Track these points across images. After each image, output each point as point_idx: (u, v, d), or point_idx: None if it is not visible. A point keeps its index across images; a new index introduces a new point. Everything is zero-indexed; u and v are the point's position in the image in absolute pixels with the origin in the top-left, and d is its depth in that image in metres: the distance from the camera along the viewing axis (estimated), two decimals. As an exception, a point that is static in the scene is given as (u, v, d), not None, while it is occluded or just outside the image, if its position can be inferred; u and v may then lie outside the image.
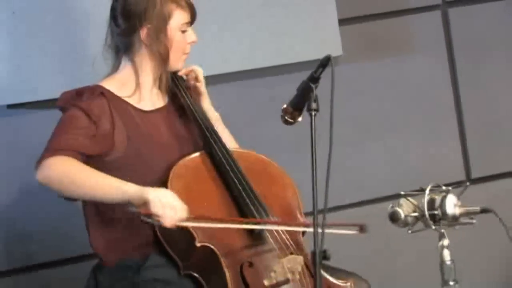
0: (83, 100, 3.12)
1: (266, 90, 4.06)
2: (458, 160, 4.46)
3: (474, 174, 4.45)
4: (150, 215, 2.93)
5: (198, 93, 3.33)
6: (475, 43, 4.45)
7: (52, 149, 3.03)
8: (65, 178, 3.01)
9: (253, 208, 3.12)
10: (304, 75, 3.01)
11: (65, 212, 3.71)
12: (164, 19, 3.17)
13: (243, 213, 3.13)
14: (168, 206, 2.94)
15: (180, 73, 3.32)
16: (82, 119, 3.10)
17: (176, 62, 3.25)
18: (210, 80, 3.41)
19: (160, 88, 3.26)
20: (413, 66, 4.39)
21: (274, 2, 4.08)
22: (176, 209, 2.95)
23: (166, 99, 3.29)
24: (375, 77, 4.32)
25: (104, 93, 3.16)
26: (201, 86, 3.33)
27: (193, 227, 3.00)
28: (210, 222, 3.02)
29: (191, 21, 3.22)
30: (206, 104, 3.34)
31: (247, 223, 3.09)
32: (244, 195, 3.13)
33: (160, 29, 3.17)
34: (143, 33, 3.17)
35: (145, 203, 2.94)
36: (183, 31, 3.21)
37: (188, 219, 2.97)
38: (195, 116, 3.26)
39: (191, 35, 3.23)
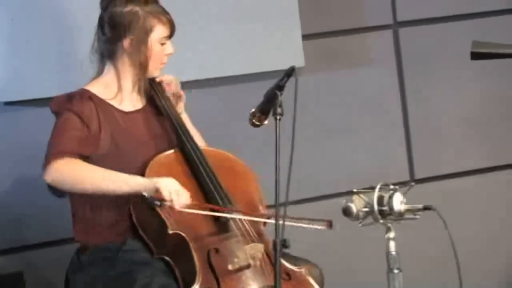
0: (74, 104, 3.09)
1: (237, 96, 4.03)
2: (404, 162, 4.45)
3: (418, 175, 4.43)
4: (162, 200, 2.93)
5: (175, 97, 3.30)
6: (422, 59, 4.45)
7: (55, 152, 3.00)
8: (77, 178, 3.00)
9: (220, 200, 3.10)
10: (271, 83, 2.98)
11: (53, 200, 3.66)
12: (146, 32, 3.14)
13: (211, 204, 3.10)
14: (176, 192, 2.95)
15: (157, 79, 3.28)
16: (75, 121, 3.07)
17: (154, 71, 3.22)
18: (187, 85, 3.40)
19: (138, 91, 3.23)
20: (367, 77, 4.38)
21: (245, 17, 4.05)
22: (183, 194, 2.97)
23: (144, 102, 3.26)
24: (333, 86, 4.31)
25: (91, 97, 3.13)
26: (178, 91, 3.30)
27: (165, 216, 2.99)
28: (204, 210, 3.04)
29: (170, 35, 3.20)
30: (180, 106, 3.32)
31: (230, 212, 3.08)
32: (212, 189, 3.12)
33: (142, 41, 3.14)
34: (126, 42, 3.14)
35: (156, 191, 2.94)
36: (162, 44, 3.18)
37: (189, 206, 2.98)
38: (170, 118, 3.24)
39: (169, 47, 3.20)
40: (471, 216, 4.46)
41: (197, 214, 3.05)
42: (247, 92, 3.92)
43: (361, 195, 2.82)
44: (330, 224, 3.00)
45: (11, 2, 3.74)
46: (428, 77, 4.46)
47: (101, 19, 3.19)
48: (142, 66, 3.15)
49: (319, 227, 3.00)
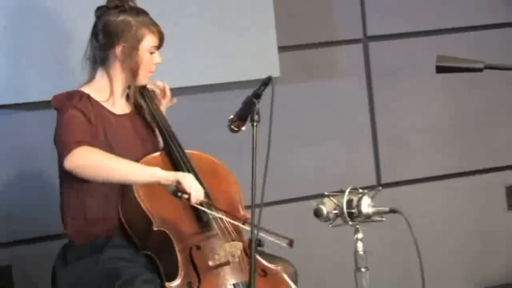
0: (76, 101, 3.09)
1: (216, 103, 4.04)
2: (371, 167, 4.48)
3: (384, 180, 4.46)
4: (183, 192, 2.96)
5: (161, 103, 3.32)
6: (390, 71, 4.47)
7: (74, 140, 2.99)
8: (102, 166, 2.99)
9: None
10: (248, 91, 3.00)
11: (42, 198, 3.69)
12: (137, 40, 3.15)
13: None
14: (195, 187, 2.98)
15: (148, 86, 3.30)
16: (80, 117, 3.07)
17: (143, 78, 3.23)
18: (172, 92, 3.40)
19: (128, 97, 3.24)
20: (338, 88, 4.40)
21: (225, 30, 4.07)
22: (199, 190, 3.00)
23: (130, 107, 3.26)
24: (306, 95, 4.32)
25: (89, 97, 3.13)
26: (167, 98, 3.34)
27: (151, 213, 3.00)
28: (213, 210, 3.05)
29: (159, 46, 3.21)
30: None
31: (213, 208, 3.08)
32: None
33: (133, 48, 3.15)
34: (118, 49, 3.15)
35: (178, 183, 2.97)
36: (151, 53, 3.19)
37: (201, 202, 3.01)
38: (158, 122, 3.25)
39: (157, 57, 3.22)
40: (433, 219, 4.49)
41: (181, 212, 3.07)
42: (226, 99, 3.93)
43: (332, 198, 2.83)
44: (291, 243, 2.98)
45: (4, 11, 3.73)
46: (395, 88, 4.48)
47: (95, 27, 3.19)
48: (133, 73, 3.16)
49: (282, 244, 2.98)
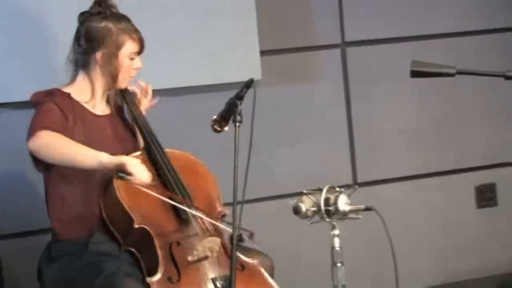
0: (55, 98, 3.05)
1: (201, 104, 3.99)
2: (347, 167, 4.46)
3: (360, 179, 4.44)
4: (124, 173, 2.89)
5: (142, 103, 3.30)
6: (366, 75, 4.46)
7: (41, 125, 2.94)
8: (52, 146, 2.93)
9: (181, 197, 3.07)
10: (231, 93, 2.98)
11: (30, 194, 3.64)
12: (117, 47, 3.11)
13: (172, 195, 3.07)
14: (139, 168, 2.91)
15: (129, 88, 3.26)
16: (57, 110, 3.03)
17: (122, 83, 3.19)
18: (159, 93, 3.37)
19: (108, 99, 3.20)
20: (317, 90, 4.37)
21: (210, 34, 4.04)
22: (144, 173, 2.93)
23: (110, 109, 3.23)
24: (286, 98, 4.30)
25: (70, 96, 3.09)
26: (148, 97, 3.31)
27: (132, 211, 2.97)
28: (160, 195, 2.99)
29: (139, 52, 3.16)
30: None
31: (185, 204, 3.03)
32: (175, 188, 3.08)
33: (113, 54, 3.11)
34: (99, 55, 3.11)
35: (122, 166, 2.89)
36: (132, 58, 3.15)
37: (147, 186, 2.94)
38: (138, 124, 3.22)
39: (137, 62, 3.17)
40: (406, 217, 4.47)
41: (161, 210, 3.03)
42: (210, 101, 3.89)
43: (310, 196, 2.81)
44: (251, 235, 2.94)
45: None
46: (371, 92, 4.47)
47: (77, 32, 3.15)
48: (112, 77, 3.13)
49: (243, 236, 2.93)
